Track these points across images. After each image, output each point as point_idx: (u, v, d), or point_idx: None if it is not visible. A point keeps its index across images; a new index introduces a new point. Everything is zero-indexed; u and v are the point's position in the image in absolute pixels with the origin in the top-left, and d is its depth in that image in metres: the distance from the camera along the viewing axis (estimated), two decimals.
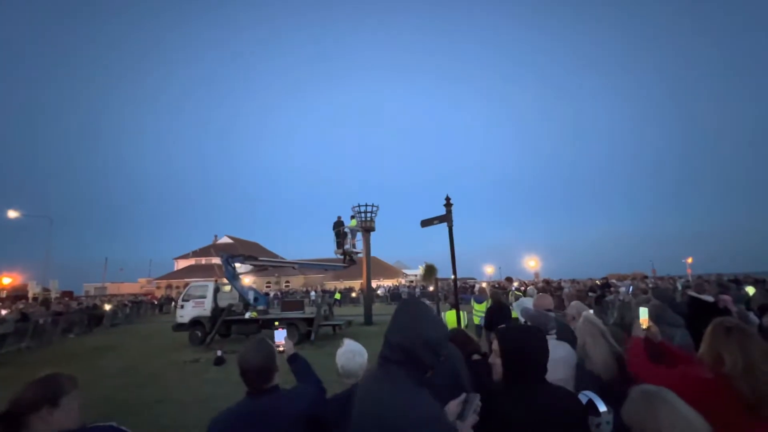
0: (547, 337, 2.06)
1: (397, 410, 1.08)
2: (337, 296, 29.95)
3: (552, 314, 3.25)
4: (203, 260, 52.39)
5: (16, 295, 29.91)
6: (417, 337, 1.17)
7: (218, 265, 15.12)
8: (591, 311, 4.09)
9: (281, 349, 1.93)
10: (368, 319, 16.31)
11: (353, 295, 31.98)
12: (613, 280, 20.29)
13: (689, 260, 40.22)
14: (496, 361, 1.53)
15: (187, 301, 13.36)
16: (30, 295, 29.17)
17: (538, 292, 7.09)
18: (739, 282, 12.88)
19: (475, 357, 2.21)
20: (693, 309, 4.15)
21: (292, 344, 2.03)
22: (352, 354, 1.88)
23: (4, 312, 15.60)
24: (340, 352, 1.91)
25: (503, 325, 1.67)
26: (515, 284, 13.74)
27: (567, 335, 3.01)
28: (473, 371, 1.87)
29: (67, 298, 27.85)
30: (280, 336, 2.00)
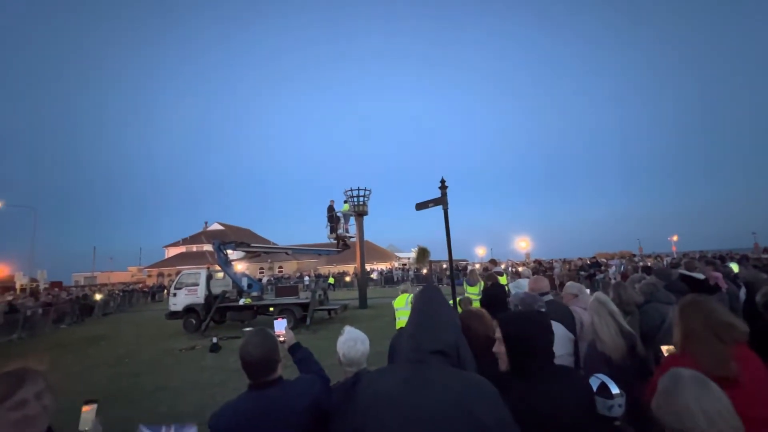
0: None
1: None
2: (331, 281, 30.11)
3: (549, 296, 3.28)
4: (194, 247, 51.86)
5: (3, 286, 29.34)
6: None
7: (210, 252, 14.97)
8: (588, 291, 4.16)
9: (282, 339, 1.87)
10: (363, 303, 16.44)
11: (347, 279, 32.16)
12: (603, 259, 20.73)
13: (674, 238, 41.31)
14: (500, 349, 1.51)
15: (180, 288, 13.25)
16: (17, 286, 28.62)
17: (532, 274, 7.20)
18: (723, 259, 13.22)
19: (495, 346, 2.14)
20: (685, 287, 4.25)
21: (293, 334, 1.97)
22: (353, 342, 1.83)
23: None
24: (341, 340, 1.86)
25: (504, 312, 1.65)
26: (502, 266, 13.90)
27: (562, 315, 3.04)
28: (483, 358, 1.82)
29: (56, 289, 27.42)
30: (281, 326, 1.94)
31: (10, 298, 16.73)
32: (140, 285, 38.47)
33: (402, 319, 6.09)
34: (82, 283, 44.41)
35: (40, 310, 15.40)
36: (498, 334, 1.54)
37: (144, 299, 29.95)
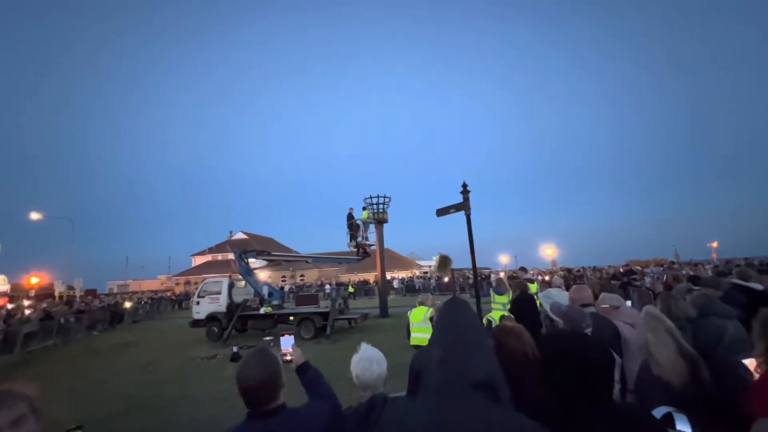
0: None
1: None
2: (351, 289, 29.95)
3: (591, 308, 2.94)
4: (219, 256, 53.18)
5: (44, 294, 30.93)
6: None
7: (234, 261, 15.16)
8: (629, 303, 3.75)
9: (288, 357, 1.68)
10: (384, 312, 16.16)
11: (368, 287, 31.92)
12: (637, 267, 19.56)
13: (714, 244, 38.71)
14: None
15: (203, 297, 13.43)
16: (56, 293, 30.13)
17: (564, 283, 6.77)
18: None
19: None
20: (743, 299, 3.79)
21: (300, 352, 1.76)
22: (368, 362, 1.59)
23: (28, 311, 16.07)
24: (355, 359, 1.63)
25: (550, 331, 1.38)
26: (530, 273, 13.31)
27: (605, 331, 2.69)
28: (524, 382, 1.53)
29: (90, 297, 28.66)
30: (287, 343, 1.74)
31: (45, 305, 17.53)
32: (168, 293, 39.71)
33: (418, 336, 5.43)
34: (116, 291, 46.35)
35: (73, 318, 16.02)
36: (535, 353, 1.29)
37: (171, 307, 30.82)
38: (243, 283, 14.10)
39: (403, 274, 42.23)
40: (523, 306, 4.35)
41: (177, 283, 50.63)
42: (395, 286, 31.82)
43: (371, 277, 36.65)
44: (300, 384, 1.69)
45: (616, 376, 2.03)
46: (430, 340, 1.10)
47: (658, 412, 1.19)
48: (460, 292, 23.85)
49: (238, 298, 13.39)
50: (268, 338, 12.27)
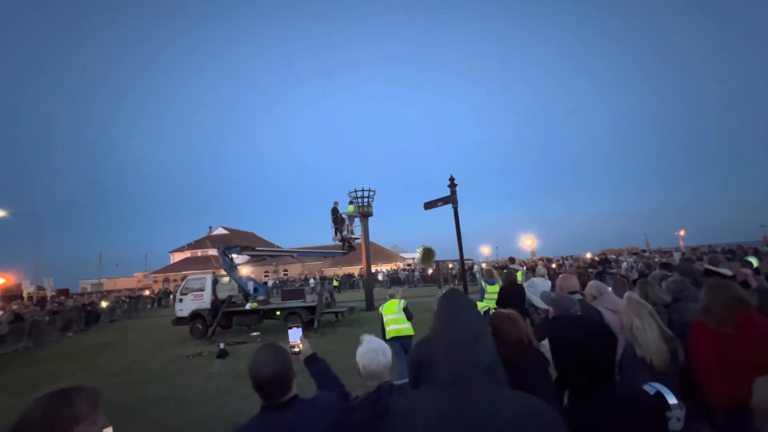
0: None
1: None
2: (335, 283, 29.99)
3: (578, 295, 3.09)
4: (199, 252, 51.95)
5: (11, 295, 29.42)
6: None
7: (215, 257, 14.88)
8: (610, 289, 3.95)
9: (297, 350, 1.71)
10: (370, 305, 16.27)
11: (353, 280, 31.99)
12: (612, 256, 20.40)
13: (682, 233, 40.75)
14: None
15: (186, 294, 13.16)
16: (24, 294, 28.72)
17: (548, 271, 7.01)
18: (733, 253, 12.93)
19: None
20: None
21: (308, 344, 1.80)
22: (374, 353, 1.63)
23: None
24: (361, 351, 1.67)
25: (555, 317, 1.47)
26: (517, 263, 13.69)
27: (593, 318, 2.85)
28: (518, 366, 1.62)
29: (62, 297, 27.49)
30: (296, 335, 1.77)
31: (15, 307, 16.72)
32: (147, 291, 38.51)
33: (395, 327, 5.47)
34: (89, 290, 44.56)
35: (46, 318, 15.37)
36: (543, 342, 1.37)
37: (150, 305, 29.97)
38: (227, 279, 13.88)
39: (386, 267, 42.47)
40: (512, 295, 4.51)
41: (155, 281, 49.19)
42: (380, 279, 32.01)
43: (356, 270, 36.69)
44: (309, 375, 1.72)
45: None
46: (433, 332, 1.13)
47: (649, 389, 1.29)
48: (444, 283, 24.24)
49: (222, 295, 13.18)
50: (255, 334, 12.19)
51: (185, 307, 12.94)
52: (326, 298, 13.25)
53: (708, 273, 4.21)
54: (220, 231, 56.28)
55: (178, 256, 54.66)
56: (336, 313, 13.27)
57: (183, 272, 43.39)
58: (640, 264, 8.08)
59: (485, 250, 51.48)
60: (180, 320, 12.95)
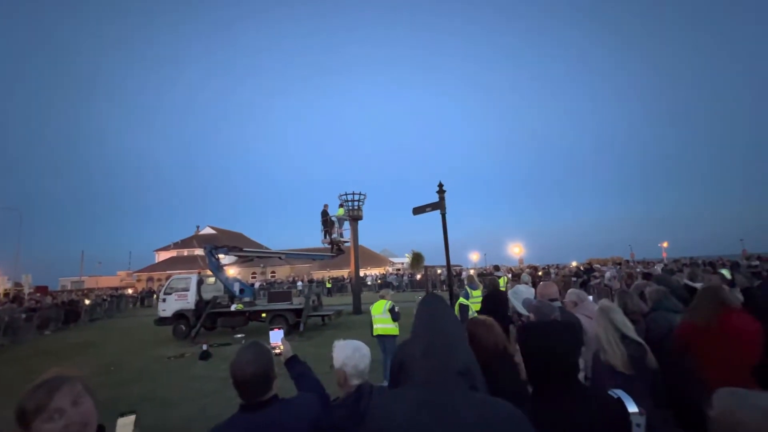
0: None
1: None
2: (328, 285, 30.01)
3: (558, 302, 3.17)
4: (185, 252, 51.12)
5: None
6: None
7: (201, 257, 14.67)
8: (591, 297, 4.05)
9: (278, 351, 1.73)
10: (357, 309, 16.22)
11: (341, 283, 31.88)
12: (597, 265, 20.78)
13: (665, 244, 41.68)
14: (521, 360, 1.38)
15: (170, 294, 12.93)
16: (0, 291, 27.82)
17: (533, 279, 7.14)
18: (713, 265, 13.35)
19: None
20: (687, 294, 4.21)
21: (290, 346, 1.82)
22: (361, 353, 1.71)
23: None
24: (348, 352, 1.72)
25: (528, 322, 1.53)
26: (502, 271, 13.85)
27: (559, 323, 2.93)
28: (494, 371, 1.68)
29: (40, 294, 26.70)
30: (277, 337, 1.79)
31: None
32: (130, 290, 37.65)
33: (379, 326, 5.91)
34: (69, 288, 43.37)
35: (23, 316, 14.91)
36: (516, 346, 1.42)
37: (133, 304, 29.31)
38: (213, 279, 13.70)
39: (375, 271, 42.42)
40: (495, 301, 4.58)
41: (139, 280, 48.20)
42: (368, 283, 31.93)
43: (345, 273, 36.56)
44: (289, 377, 1.74)
45: (581, 363, 2.24)
46: (413, 332, 1.16)
47: (612, 395, 1.35)
48: (432, 288, 24.32)
49: (207, 295, 13.00)
50: (239, 336, 12.03)
51: (168, 307, 12.71)
52: (313, 301, 13.18)
53: (685, 286, 4.41)
54: (208, 231, 55.51)
55: (163, 255, 53.68)
56: (323, 317, 13.19)
57: (168, 272, 42.58)
58: (622, 274, 8.29)
59: (474, 257, 51.87)
60: (163, 320, 12.72)
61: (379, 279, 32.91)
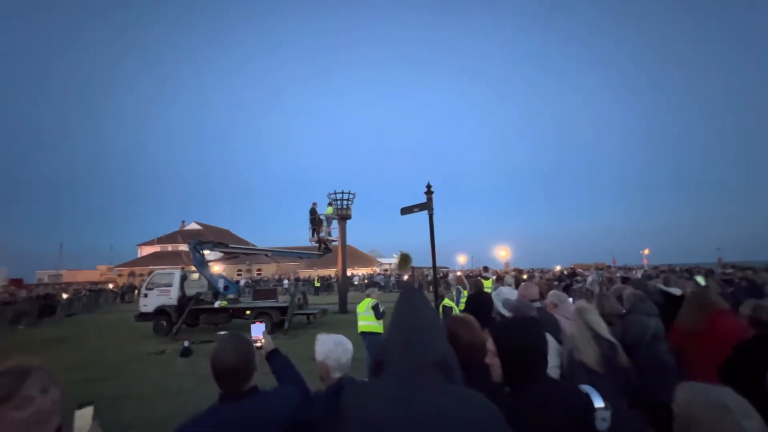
0: None
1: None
2: (317, 284, 29.95)
3: (538, 303, 3.24)
4: (169, 247, 50.07)
5: None
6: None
7: (186, 253, 14.43)
8: (571, 299, 4.15)
9: (259, 344, 1.72)
10: (343, 308, 16.18)
11: (328, 282, 31.77)
12: (580, 270, 21.21)
13: (646, 252, 42.84)
14: (494, 361, 1.42)
15: (152, 289, 12.67)
16: None
17: (515, 281, 7.23)
18: (691, 272, 13.80)
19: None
20: (661, 298, 4.37)
21: (271, 339, 1.81)
22: (343, 347, 1.74)
23: None
24: (330, 347, 1.73)
25: (499, 321, 1.57)
26: (490, 272, 14.00)
27: (550, 324, 3.00)
28: (473, 369, 1.71)
29: (14, 287, 25.81)
30: (258, 330, 1.79)
31: None
32: (110, 285, 36.68)
33: (363, 323, 6.10)
34: (46, 281, 42.00)
35: None
36: (490, 345, 1.45)
37: (113, 300, 28.57)
38: (197, 275, 13.47)
39: (363, 271, 42.37)
40: (479, 302, 4.63)
41: (120, 274, 46.99)
42: (355, 283, 31.88)
43: (332, 272, 36.40)
44: (270, 371, 1.74)
45: (557, 361, 2.30)
46: (391, 326, 1.17)
47: (580, 389, 1.41)
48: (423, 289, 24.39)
49: (190, 291, 12.78)
50: (222, 333, 11.85)
51: (150, 302, 12.46)
52: (299, 300, 13.10)
53: (660, 291, 4.57)
54: (194, 226, 54.51)
55: (146, 250, 52.46)
56: (308, 315, 13.12)
57: (151, 267, 41.65)
58: (603, 278, 8.52)
59: (462, 259, 52.29)
60: (143, 316, 12.47)
61: (366, 279, 32.91)
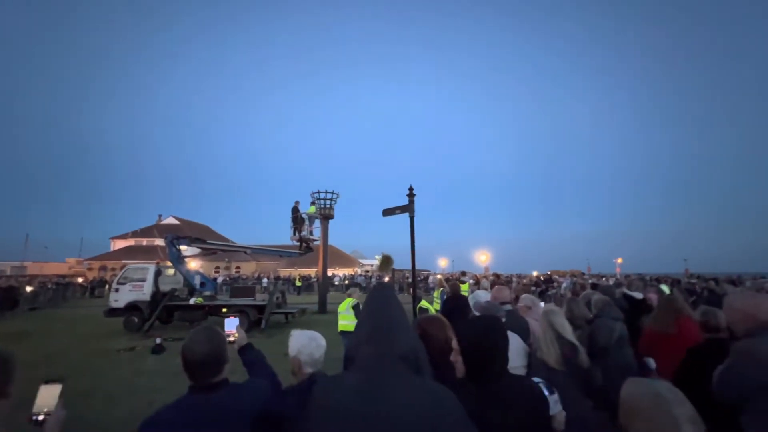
0: None
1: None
2: (298, 283, 29.63)
3: (508, 306, 3.36)
4: (144, 241, 48.54)
5: None
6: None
7: (162, 247, 14.05)
8: (542, 303, 4.31)
9: (232, 339, 1.72)
10: (323, 308, 16.08)
11: (309, 282, 31.52)
12: (556, 276, 21.84)
13: (619, 260, 44.46)
14: (457, 359, 1.49)
15: (123, 284, 12.26)
16: None
17: (491, 285, 7.41)
18: (660, 281, 14.46)
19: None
20: (627, 304, 4.62)
21: (245, 334, 1.82)
22: (316, 341, 1.77)
23: None
24: (303, 343, 1.75)
25: (462, 321, 1.66)
26: (468, 276, 14.26)
27: (519, 326, 3.11)
28: (442, 365, 1.78)
29: None
30: (232, 324, 1.79)
31: None
32: (80, 278, 35.13)
33: (343, 323, 6.17)
34: (9, 273, 39.88)
35: None
36: (455, 344, 1.52)
37: (82, 294, 27.42)
38: (172, 271, 13.13)
39: (344, 272, 42.20)
40: (456, 304, 4.74)
41: (90, 268, 45.15)
42: (336, 283, 31.74)
43: (312, 272, 36.10)
44: (242, 365, 1.74)
45: (524, 361, 2.40)
46: (360, 321, 1.22)
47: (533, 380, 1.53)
48: (399, 291, 24.54)
49: (165, 287, 12.43)
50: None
51: (121, 297, 12.05)
52: (277, 298, 12.96)
53: (625, 296, 4.84)
54: (171, 221, 53.00)
55: (119, 244, 50.64)
56: (286, 314, 12.99)
57: (124, 261, 40.21)
58: (575, 284, 8.84)
59: (443, 263, 52.80)
60: (113, 311, 12.04)
61: (347, 279, 32.80)
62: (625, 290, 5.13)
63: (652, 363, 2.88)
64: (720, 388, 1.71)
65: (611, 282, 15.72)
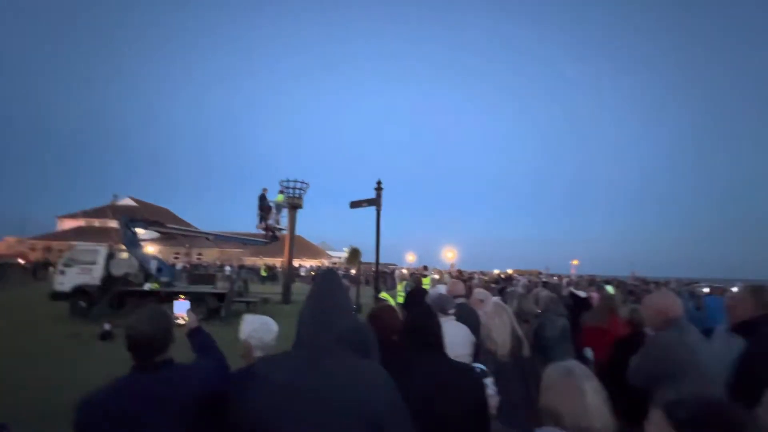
0: (446, 317, 2.50)
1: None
2: (263, 273, 29.03)
3: (461, 299, 3.56)
4: (96, 222, 45.49)
5: None
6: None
7: (116, 230, 13.28)
8: (497, 298, 4.57)
9: (182, 321, 1.72)
10: (287, 298, 15.91)
11: (274, 272, 31.01)
12: (515, 275, 22.92)
13: (575, 262, 47.22)
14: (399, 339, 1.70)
15: (70, 266, 11.49)
16: None
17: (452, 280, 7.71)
18: (608, 282, 15.63)
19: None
20: (572, 301, 5.06)
21: (196, 318, 1.81)
22: (266, 325, 1.80)
23: None
24: (255, 326, 1.79)
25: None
26: (429, 271, 14.68)
27: (470, 318, 3.31)
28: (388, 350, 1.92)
29: None
30: (182, 307, 1.78)
31: None
32: (20, 259, 32.32)
33: None
34: None
35: None
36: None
37: (22, 276, 25.33)
38: (126, 255, 12.45)
39: (311, 263, 41.83)
40: (416, 296, 4.92)
41: (33, 249, 41.69)
42: (302, 274, 31.42)
43: (278, 262, 35.47)
44: (190, 349, 1.73)
45: (469, 350, 2.57)
46: (305, 303, 1.28)
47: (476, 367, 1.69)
48: (365, 284, 24.72)
49: (117, 271, 11.77)
50: None
51: (68, 280, 11.30)
52: (239, 287, 12.69)
53: (572, 294, 5.27)
54: (127, 201, 50.00)
55: (68, 224, 47.17)
56: (247, 303, 12.75)
57: (72, 242, 37.48)
58: (529, 283, 9.43)
59: (410, 258, 53.55)
60: (59, 295, 11.28)
61: (313, 271, 32.56)
62: (572, 289, 5.54)
63: (589, 353, 3.27)
64: (632, 375, 1.94)
65: (565, 282, 16.81)
